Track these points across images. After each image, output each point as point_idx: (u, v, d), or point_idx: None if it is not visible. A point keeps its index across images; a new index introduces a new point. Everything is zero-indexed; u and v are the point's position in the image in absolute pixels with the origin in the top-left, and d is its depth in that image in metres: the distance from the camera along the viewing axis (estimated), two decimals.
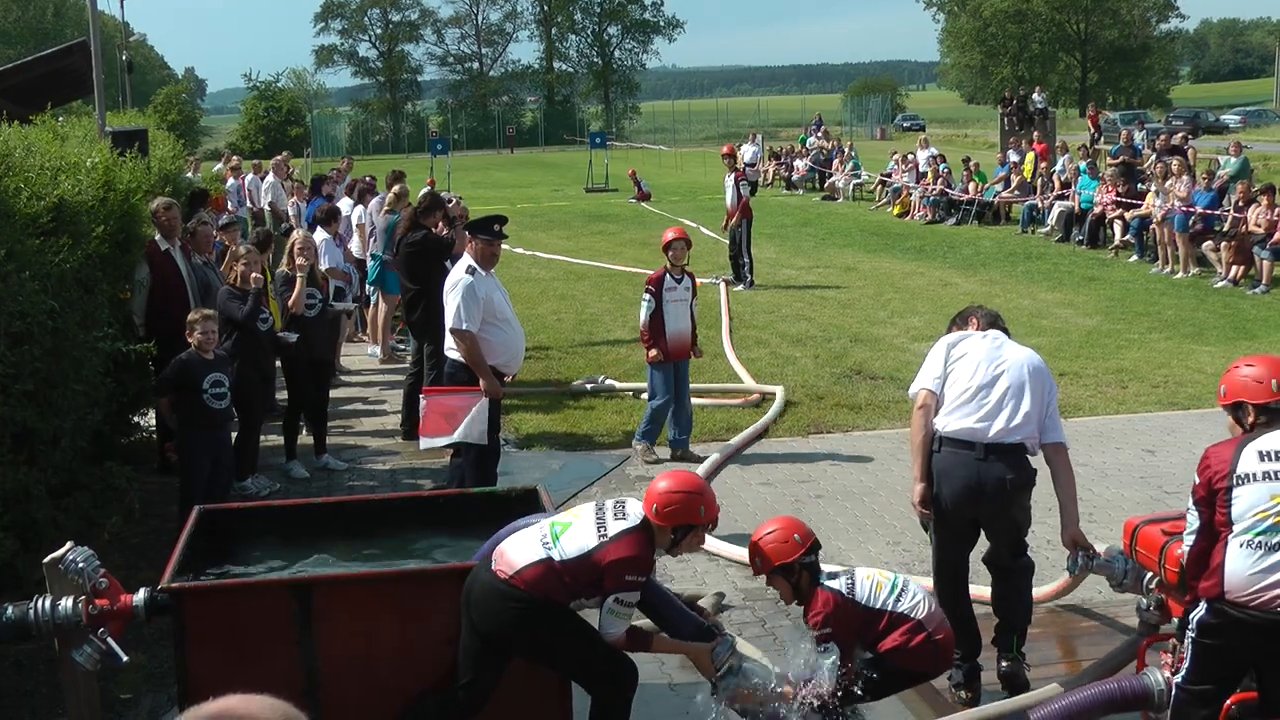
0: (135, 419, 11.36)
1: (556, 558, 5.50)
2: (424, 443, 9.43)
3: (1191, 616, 5.32)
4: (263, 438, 11.03)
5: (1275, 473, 5.13)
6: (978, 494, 6.43)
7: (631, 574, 5.48)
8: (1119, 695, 5.94)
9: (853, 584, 5.87)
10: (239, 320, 10.26)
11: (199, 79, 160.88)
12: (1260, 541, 5.08)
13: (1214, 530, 5.23)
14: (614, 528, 5.56)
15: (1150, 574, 6.19)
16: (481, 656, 5.64)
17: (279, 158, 26.13)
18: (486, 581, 5.56)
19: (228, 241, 12.89)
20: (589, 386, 14.07)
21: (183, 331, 9.26)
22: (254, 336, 10.37)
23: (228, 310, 10.26)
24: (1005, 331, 6.89)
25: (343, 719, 5.74)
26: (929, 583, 6.89)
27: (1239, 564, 5.10)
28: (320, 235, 13.98)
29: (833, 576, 5.94)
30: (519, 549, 5.59)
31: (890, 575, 6.02)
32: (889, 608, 5.82)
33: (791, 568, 5.91)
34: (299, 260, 11.06)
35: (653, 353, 11.21)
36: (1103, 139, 42.48)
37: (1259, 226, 20.26)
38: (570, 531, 5.58)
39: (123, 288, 10.47)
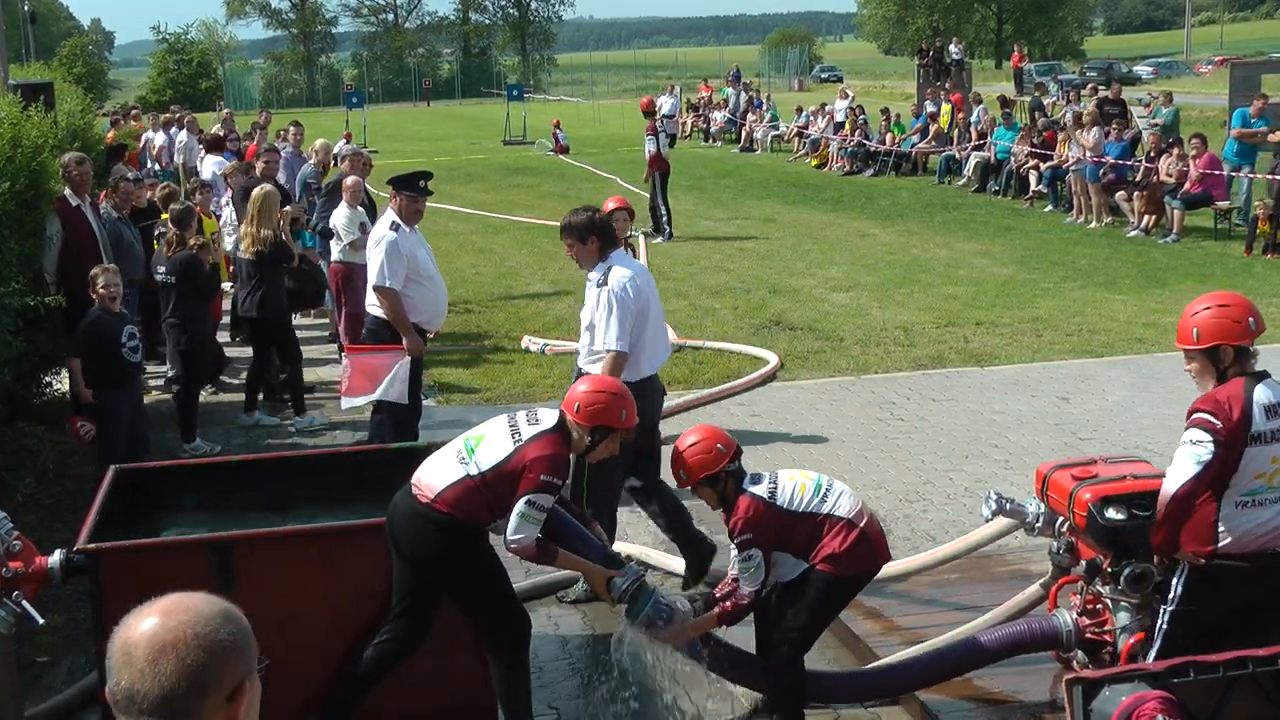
0: (47, 379, 11.15)
1: (474, 472, 5.47)
2: (345, 402, 9.37)
3: (1174, 587, 5.30)
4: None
5: (1276, 432, 5.12)
6: None
7: (547, 474, 5.42)
8: (1028, 636, 6.05)
9: (775, 488, 5.77)
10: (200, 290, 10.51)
11: (106, 31, 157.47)
12: (1258, 501, 5.13)
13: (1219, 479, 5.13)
14: (528, 432, 5.54)
15: (1061, 518, 6.30)
16: (413, 584, 5.62)
17: (188, 117, 25.35)
18: (408, 507, 5.54)
19: (152, 197, 12.79)
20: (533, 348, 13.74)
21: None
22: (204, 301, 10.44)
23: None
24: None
25: (267, 678, 5.70)
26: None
27: (1237, 524, 5.13)
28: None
29: (756, 481, 5.85)
30: (437, 471, 5.56)
31: (813, 475, 5.92)
32: (815, 510, 5.70)
33: (717, 477, 5.82)
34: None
35: None
36: (1023, 89, 42.74)
37: (1170, 176, 20.60)
38: (485, 444, 5.55)
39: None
